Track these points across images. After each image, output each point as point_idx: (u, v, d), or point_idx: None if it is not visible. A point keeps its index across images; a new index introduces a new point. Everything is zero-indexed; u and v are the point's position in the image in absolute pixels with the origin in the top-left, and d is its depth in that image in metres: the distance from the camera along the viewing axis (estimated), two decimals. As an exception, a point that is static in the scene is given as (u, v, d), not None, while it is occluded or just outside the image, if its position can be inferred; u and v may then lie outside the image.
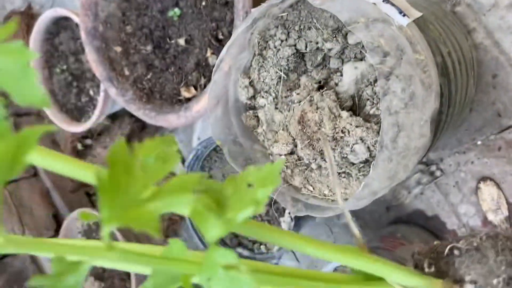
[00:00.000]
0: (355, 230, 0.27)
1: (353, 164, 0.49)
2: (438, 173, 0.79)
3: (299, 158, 0.54)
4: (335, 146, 0.48)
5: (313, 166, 0.52)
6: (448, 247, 0.27)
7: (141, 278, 0.96)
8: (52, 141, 1.32)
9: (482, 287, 0.25)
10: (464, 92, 0.56)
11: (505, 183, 0.74)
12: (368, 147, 0.48)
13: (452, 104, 0.50)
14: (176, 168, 1.05)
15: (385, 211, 0.85)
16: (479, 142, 0.75)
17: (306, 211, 0.50)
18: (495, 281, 0.25)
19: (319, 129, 0.48)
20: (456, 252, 0.27)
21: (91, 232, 1.06)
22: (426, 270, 0.28)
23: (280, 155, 0.55)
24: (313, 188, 0.54)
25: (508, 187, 0.74)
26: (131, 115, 1.07)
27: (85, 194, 1.30)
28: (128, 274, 1.00)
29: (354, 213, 0.86)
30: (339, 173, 0.52)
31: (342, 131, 0.48)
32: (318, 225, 0.85)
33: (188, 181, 0.20)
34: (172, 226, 1.10)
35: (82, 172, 0.21)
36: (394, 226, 0.83)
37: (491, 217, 0.76)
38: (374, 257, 0.26)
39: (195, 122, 0.79)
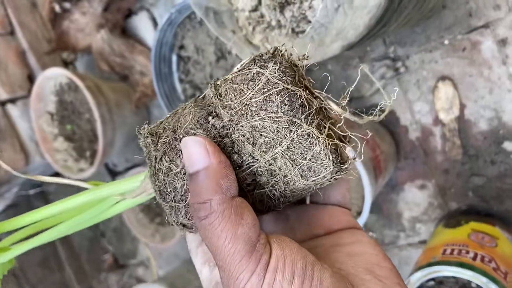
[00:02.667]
0: None
1: (310, 22, 0.51)
2: (402, 69, 0.82)
3: (262, 16, 0.55)
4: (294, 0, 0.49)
5: (273, 23, 0.54)
6: None
7: (108, 140, 1.00)
8: (32, 3, 1.29)
9: None
10: (434, -27, 0.56)
11: (462, 84, 0.77)
12: (326, 5, 0.49)
13: (415, -24, 0.50)
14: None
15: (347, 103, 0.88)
16: (446, 41, 0.76)
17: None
18: None
19: (281, -20, 0.49)
20: None
21: (63, 92, 1.07)
22: None
23: (244, 10, 0.56)
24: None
25: (465, 88, 0.77)
26: (112, -20, 1.04)
27: (61, 61, 1.30)
28: (96, 136, 1.03)
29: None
30: (296, 32, 0.53)
31: (303, -15, 0.48)
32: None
33: None
34: (143, 98, 1.12)
35: None
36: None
37: (442, 116, 0.80)
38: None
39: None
